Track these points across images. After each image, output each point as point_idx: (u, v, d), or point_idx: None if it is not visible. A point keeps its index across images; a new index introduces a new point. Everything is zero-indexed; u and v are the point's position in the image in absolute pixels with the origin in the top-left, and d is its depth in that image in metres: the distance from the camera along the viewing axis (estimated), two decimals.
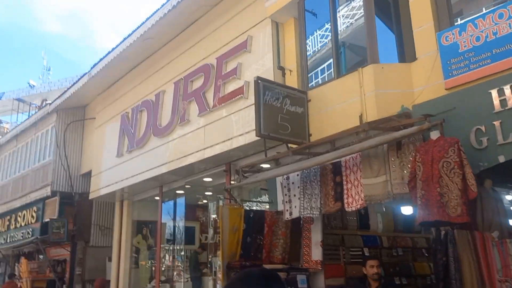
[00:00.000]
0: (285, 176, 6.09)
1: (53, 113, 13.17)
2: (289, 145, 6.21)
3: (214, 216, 11.50)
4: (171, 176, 9.89)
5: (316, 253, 6.06)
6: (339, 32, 6.37)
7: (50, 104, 13.05)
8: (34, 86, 30.47)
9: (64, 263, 13.14)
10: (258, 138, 7.20)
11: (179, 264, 11.79)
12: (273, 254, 6.17)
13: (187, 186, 10.43)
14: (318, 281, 6.06)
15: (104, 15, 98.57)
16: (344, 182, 5.27)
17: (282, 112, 5.94)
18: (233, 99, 7.73)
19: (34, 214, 13.64)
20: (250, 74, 7.61)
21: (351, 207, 5.15)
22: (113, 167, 11.35)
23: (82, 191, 12.98)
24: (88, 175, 12.88)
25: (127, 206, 12.23)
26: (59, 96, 12.54)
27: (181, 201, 11.78)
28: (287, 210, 5.99)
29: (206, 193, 11.81)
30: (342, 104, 5.90)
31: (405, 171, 4.63)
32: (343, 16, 6.49)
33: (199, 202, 12.41)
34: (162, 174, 9.67)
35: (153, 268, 11.79)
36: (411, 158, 4.57)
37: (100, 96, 12.47)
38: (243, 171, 5.99)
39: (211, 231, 11.74)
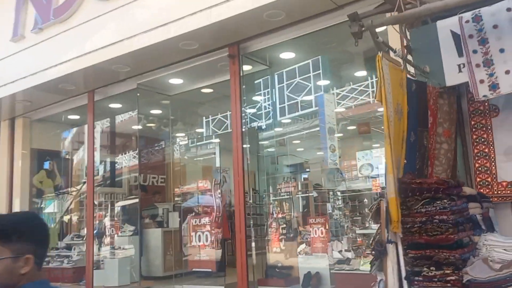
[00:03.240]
0: (468, 18, 3.04)
1: None
2: None
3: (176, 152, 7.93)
4: (116, 71, 6.08)
5: (509, 169, 3.22)
6: None
7: None
8: None
9: None
10: None
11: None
12: (434, 170, 3.18)
13: (137, 94, 6.68)
14: (505, 219, 3.26)
15: None
16: None
17: None
18: None
19: None
20: None
21: None
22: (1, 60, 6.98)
23: None
24: None
25: (22, 127, 7.90)
26: None
27: (118, 119, 7.95)
28: (481, 82, 2.97)
29: (154, 111, 8.13)
30: None
31: None
32: None
33: (135, 126, 8.63)
34: (102, 65, 5.82)
35: (68, 220, 7.90)
36: None
37: None
38: None
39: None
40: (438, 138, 3.19)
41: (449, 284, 2.32)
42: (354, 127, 9.49)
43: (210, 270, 6.13)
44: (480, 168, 3.30)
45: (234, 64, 5.34)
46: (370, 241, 2.70)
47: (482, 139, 3.31)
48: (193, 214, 6.74)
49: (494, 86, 2.93)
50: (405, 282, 2.47)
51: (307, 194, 10.04)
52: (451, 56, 3.13)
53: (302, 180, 9.65)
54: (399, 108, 2.67)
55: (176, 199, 9.19)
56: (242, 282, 4.89)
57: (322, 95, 7.63)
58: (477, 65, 2.99)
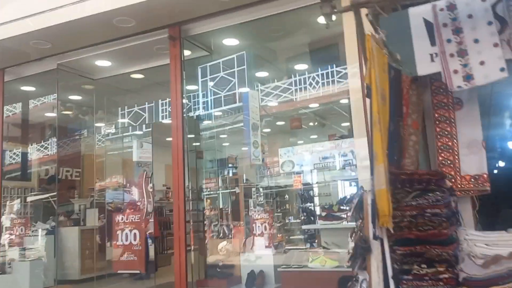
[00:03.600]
0: (442, 6, 2.96)
1: None
2: None
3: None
4: (34, 48, 5.33)
5: (472, 163, 3.20)
6: None
7: None
8: None
9: None
10: None
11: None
12: (403, 162, 3.05)
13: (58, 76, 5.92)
14: (466, 213, 3.23)
15: None
16: None
17: None
18: None
19: None
20: None
21: None
22: None
23: None
24: None
25: None
26: None
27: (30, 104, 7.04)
28: (455, 72, 2.89)
29: (72, 97, 7.34)
30: None
31: None
32: None
33: (49, 113, 7.75)
34: (16, 40, 5.08)
35: None
36: None
37: None
38: None
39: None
40: (408, 129, 3.08)
41: (441, 283, 2.17)
42: (281, 123, 9.42)
43: (138, 271, 5.61)
44: (443, 162, 3.24)
45: (175, 47, 4.90)
46: (350, 238, 2.48)
47: (446, 132, 3.27)
48: (118, 210, 6.14)
49: (468, 77, 2.87)
50: (391, 282, 2.28)
51: (229, 190, 9.78)
52: (423, 45, 3.03)
53: (231, 175, 9.37)
54: (383, 94, 2.48)
55: (93, 194, 8.46)
56: (180, 283, 4.48)
57: (247, 90, 7.41)
58: (451, 55, 2.92)
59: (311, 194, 10.52)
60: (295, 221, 10.16)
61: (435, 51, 2.96)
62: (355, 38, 3.86)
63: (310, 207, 10.47)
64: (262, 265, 4.85)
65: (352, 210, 2.45)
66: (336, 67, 6.22)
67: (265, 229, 5.07)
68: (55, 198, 7.17)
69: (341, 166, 8.70)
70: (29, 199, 7.06)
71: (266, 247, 5.46)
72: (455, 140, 3.25)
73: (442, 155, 3.25)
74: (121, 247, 5.75)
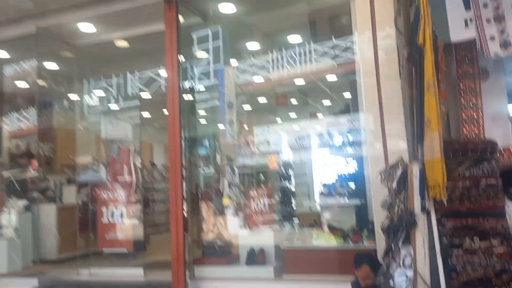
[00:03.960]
0: None
1: None
2: None
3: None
4: (13, 7, 4.86)
5: (498, 136, 3.07)
6: None
7: None
8: None
9: None
10: None
11: None
12: None
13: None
14: None
15: None
16: None
17: None
18: None
19: None
20: None
21: None
22: None
23: None
24: None
25: None
26: None
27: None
28: (491, 39, 2.74)
29: (48, 64, 6.83)
30: None
31: None
32: None
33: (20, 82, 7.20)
34: None
35: None
36: None
37: None
38: None
39: None
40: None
41: (495, 258, 2.05)
42: (263, 101, 9.19)
43: (125, 249, 5.34)
44: (468, 134, 3.13)
45: (171, 11, 4.56)
46: (393, 212, 2.32)
47: (471, 104, 3.15)
48: (102, 187, 5.78)
49: (506, 44, 2.73)
50: (439, 256, 2.15)
51: (202, 168, 9.50)
52: (457, 9, 2.85)
53: (205, 154, 9.10)
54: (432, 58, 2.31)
55: (66, 171, 8.04)
56: (178, 261, 4.25)
57: (222, 67, 7.14)
58: (488, 20, 2.76)
59: (290, 174, 10.40)
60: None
61: (470, 16, 2.80)
62: (368, 4, 3.69)
63: (287, 187, 10.35)
64: (260, 244, 4.68)
65: (395, 182, 2.29)
66: (314, 43, 6.00)
67: (240, 209, 4.93)
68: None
69: (318, 145, 8.58)
70: (6, 174, 6.57)
71: (241, 227, 5.32)
72: (480, 112, 3.14)
73: (467, 127, 3.14)
74: (107, 225, 5.47)
